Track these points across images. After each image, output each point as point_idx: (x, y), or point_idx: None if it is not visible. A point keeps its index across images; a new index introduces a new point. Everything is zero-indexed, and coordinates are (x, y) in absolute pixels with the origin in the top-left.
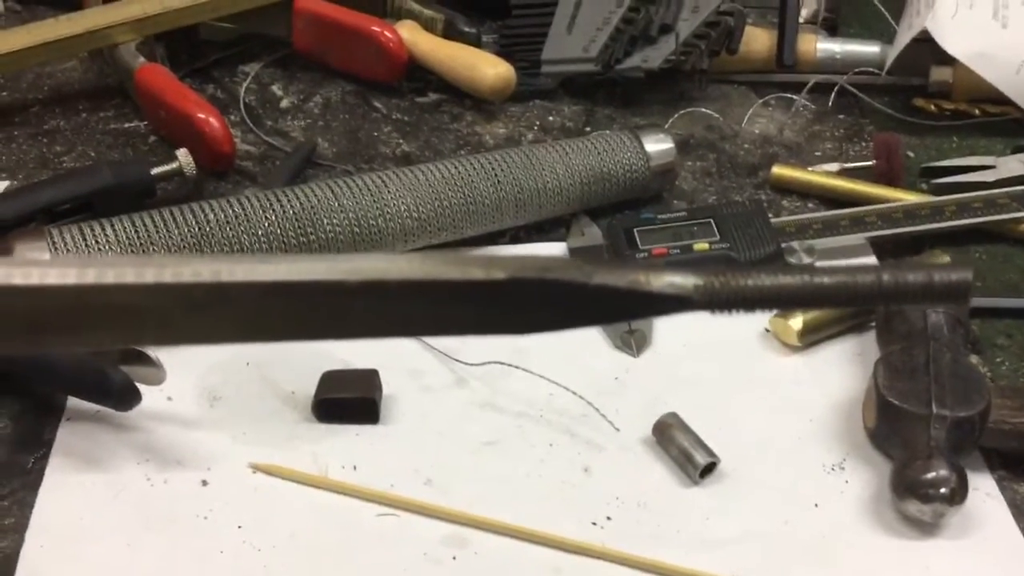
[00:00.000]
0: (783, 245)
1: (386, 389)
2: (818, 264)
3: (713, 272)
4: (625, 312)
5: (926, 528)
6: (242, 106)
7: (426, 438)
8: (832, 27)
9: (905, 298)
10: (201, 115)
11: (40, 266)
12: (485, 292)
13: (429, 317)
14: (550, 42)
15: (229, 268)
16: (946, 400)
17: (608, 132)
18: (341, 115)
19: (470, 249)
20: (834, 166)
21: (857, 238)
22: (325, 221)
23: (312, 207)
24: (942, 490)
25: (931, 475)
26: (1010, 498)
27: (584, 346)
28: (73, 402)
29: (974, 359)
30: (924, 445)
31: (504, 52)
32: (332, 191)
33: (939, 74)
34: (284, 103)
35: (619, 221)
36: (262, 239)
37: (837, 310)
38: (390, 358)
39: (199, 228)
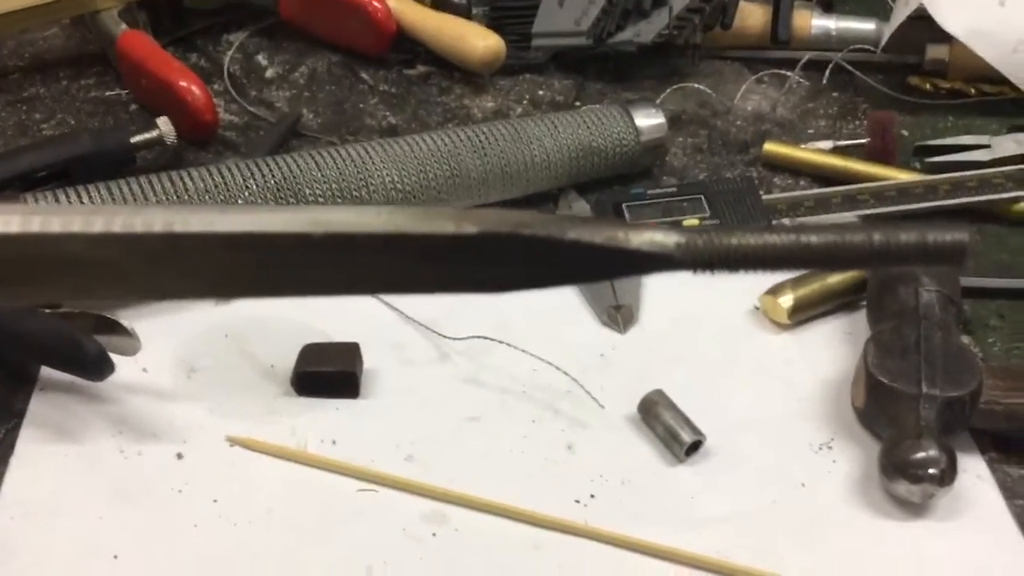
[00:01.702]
0: (774, 222)
1: (367, 363)
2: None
3: (696, 230)
4: (602, 270)
5: (915, 509)
6: (226, 75)
7: (407, 413)
8: (827, 3)
9: (897, 259)
10: (183, 83)
11: None
12: (456, 247)
13: (397, 273)
14: (541, 15)
15: (183, 218)
16: (936, 380)
17: (598, 106)
18: (327, 86)
19: None
20: (827, 144)
21: (849, 216)
22: (307, 191)
23: (294, 177)
24: (931, 471)
25: (920, 455)
26: (1000, 480)
27: (569, 321)
28: (46, 372)
29: (965, 339)
30: (914, 425)
31: (494, 24)
32: (315, 161)
33: (935, 52)
34: (269, 73)
35: (608, 196)
36: None
37: (827, 289)
38: (371, 331)
39: (177, 196)
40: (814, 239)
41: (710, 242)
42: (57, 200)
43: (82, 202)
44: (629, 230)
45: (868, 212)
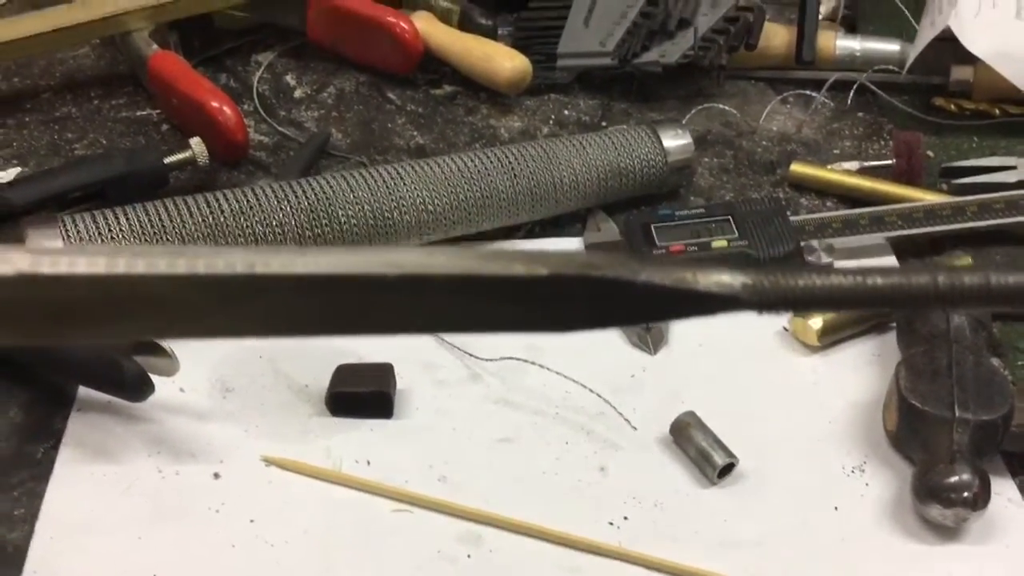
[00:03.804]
0: (802, 243)
1: (400, 383)
2: (866, 266)
3: (762, 271)
4: (670, 311)
5: (947, 533)
6: (255, 96)
7: (440, 434)
8: (851, 24)
9: (962, 301)
10: (215, 103)
11: (67, 254)
12: (527, 289)
13: (467, 313)
14: (567, 35)
15: (264, 260)
16: (969, 403)
17: (625, 127)
18: (355, 106)
19: (486, 243)
20: (853, 164)
21: (877, 238)
22: (340, 213)
23: (327, 198)
24: (965, 494)
25: (954, 479)
26: None
27: (600, 343)
28: (84, 392)
29: (995, 362)
30: (946, 449)
31: (520, 45)
32: (347, 183)
33: (960, 73)
34: (298, 93)
35: (636, 217)
36: (276, 230)
37: (857, 311)
38: (404, 352)
39: (213, 218)
40: (880, 281)
41: (776, 283)
42: (95, 221)
43: (119, 223)
44: (697, 271)
45: (896, 233)
